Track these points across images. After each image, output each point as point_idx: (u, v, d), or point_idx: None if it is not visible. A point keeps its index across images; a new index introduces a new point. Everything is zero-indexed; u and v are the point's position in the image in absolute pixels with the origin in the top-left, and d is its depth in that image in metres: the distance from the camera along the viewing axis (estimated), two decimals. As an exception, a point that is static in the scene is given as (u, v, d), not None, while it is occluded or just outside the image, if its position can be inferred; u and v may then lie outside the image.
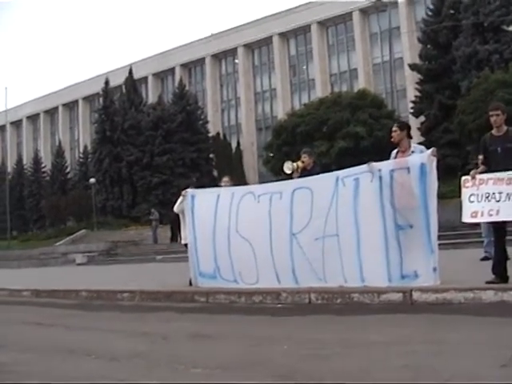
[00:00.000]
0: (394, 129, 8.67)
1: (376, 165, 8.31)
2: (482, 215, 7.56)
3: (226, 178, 11.58)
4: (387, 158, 8.74)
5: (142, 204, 57.37)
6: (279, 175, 41.05)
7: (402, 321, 6.27)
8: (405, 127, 8.72)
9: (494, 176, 7.56)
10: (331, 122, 42.91)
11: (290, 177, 10.00)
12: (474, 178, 7.72)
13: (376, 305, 7.53)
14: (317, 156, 41.64)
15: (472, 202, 7.64)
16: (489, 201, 7.48)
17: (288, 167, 10.01)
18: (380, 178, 8.14)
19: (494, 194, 7.47)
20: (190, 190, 10.66)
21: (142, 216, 54.21)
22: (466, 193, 7.75)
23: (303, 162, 10.15)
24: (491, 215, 7.49)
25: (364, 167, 8.41)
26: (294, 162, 10.09)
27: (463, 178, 7.88)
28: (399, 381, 3.78)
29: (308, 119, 43.69)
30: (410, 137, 8.77)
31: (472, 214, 7.65)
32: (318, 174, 9.40)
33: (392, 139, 8.64)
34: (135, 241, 41.64)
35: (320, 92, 59.52)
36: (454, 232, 18.24)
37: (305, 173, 9.89)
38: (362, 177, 8.38)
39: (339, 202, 8.48)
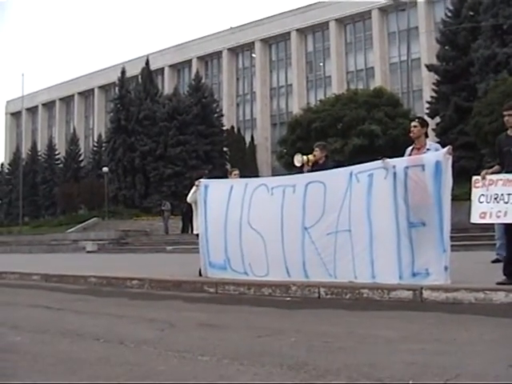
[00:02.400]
0: (414, 124, 8.64)
1: (390, 161, 8.27)
2: (490, 216, 7.51)
3: (235, 171, 11.54)
4: (402, 155, 8.71)
5: (154, 195, 57.57)
6: (292, 170, 40.82)
7: (412, 318, 6.24)
8: (425, 124, 8.74)
9: (503, 177, 7.52)
10: (346, 119, 42.83)
11: (300, 170, 9.97)
12: (484, 178, 7.68)
13: (386, 301, 7.50)
14: (330, 153, 41.86)
15: (481, 202, 7.60)
16: (497, 202, 7.43)
17: (298, 160, 9.98)
18: (394, 174, 8.10)
19: (502, 195, 7.41)
20: (203, 180, 10.65)
21: (154, 207, 54.41)
22: (476, 193, 7.71)
23: (314, 155, 10.10)
24: (499, 217, 7.45)
25: (378, 163, 8.36)
26: (305, 155, 10.04)
27: (474, 177, 7.84)
28: (406, 376, 3.75)
29: (323, 115, 43.60)
30: (426, 135, 8.75)
31: (481, 214, 7.61)
32: (330, 169, 9.36)
33: (411, 134, 8.61)
34: (146, 231, 41.82)
35: (336, 89, 59.38)
36: (465, 234, 18.15)
37: (316, 167, 9.86)
38: (376, 173, 8.34)
39: (352, 198, 8.46)
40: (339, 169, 9.10)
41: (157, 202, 52.77)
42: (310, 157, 10.04)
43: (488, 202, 7.51)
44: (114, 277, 11.68)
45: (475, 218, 7.67)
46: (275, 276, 9.13)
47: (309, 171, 9.77)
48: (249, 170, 54.14)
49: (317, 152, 10.15)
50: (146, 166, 59.31)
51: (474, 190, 7.72)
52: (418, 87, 58.21)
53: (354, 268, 8.34)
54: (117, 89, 66.06)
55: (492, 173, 7.75)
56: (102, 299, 9.33)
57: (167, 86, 75.47)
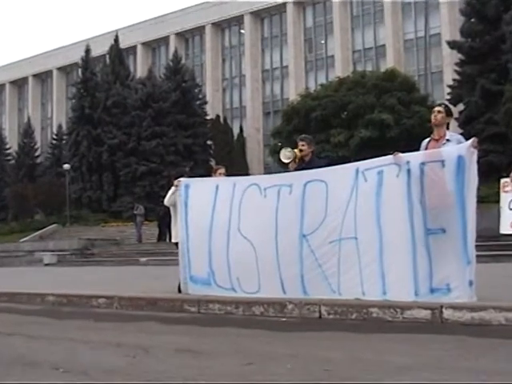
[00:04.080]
0: (439, 109, 8.60)
1: (404, 156, 8.27)
2: None
3: (221, 169, 11.50)
4: (418, 149, 8.71)
5: (125, 196, 57.51)
6: (288, 167, 40.68)
7: (430, 342, 6.24)
8: (450, 113, 8.72)
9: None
10: (352, 106, 42.96)
11: (287, 167, 9.96)
12: (515, 180, 7.66)
13: (399, 322, 7.51)
14: (333, 147, 41.98)
15: (512, 209, 7.57)
16: None
17: (285, 155, 9.91)
18: (408, 171, 8.10)
19: None
20: (183, 179, 10.64)
21: (125, 211, 54.35)
22: (505, 198, 7.66)
23: (301, 150, 10.06)
24: None
25: (389, 158, 8.36)
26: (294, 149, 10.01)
27: (502, 180, 7.80)
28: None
29: (325, 102, 43.72)
30: (447, 126, 8.75)
31: (512, 224, 7.59)
32: (321, 167, 9.30)
33: (432, 120, 8.57)
34: (115, 239, 41.77)
35: (340, 71, 59.52)
36: (494, 242, 18.18)
37: (301, 164, 9.86)
38: (386, 170, 8.34)
39: (359, 199, 8.46)
40: (343, 165, 9.10)
41: (128, 205, 52.70)
42: (297, 152, 10.01)
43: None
44: (76, 294, 11.63)
45: (506, 228, 7.66)
46: (268, 292, 9.12)
47: (295, 169, 9.78)
48: (237, 166, 54.13)
49: (304, 147, 10.08)
50: (116, 162, 59.23)
51: (502, 195, 7.69)
52: (438, 68, 58.38)
53: (362, 283, 8.34)
54: (80, 70, 65.93)
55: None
56: (62, 322, 9.28)
57: (140, 67, 75.46)
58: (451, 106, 36.82)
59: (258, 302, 8.88)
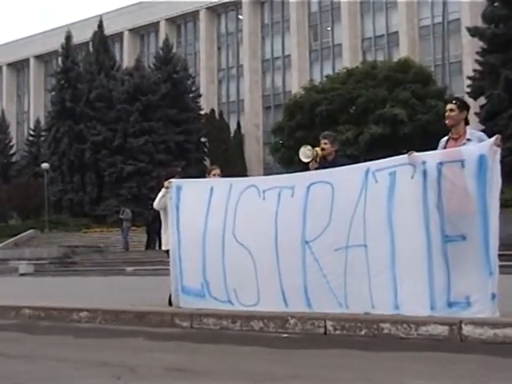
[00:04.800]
0: (450, 107, 8.58)
1: (419, 156, 8.26)
2: None
3: (216, 170, 11.53)
4: (434, 148, 8.69)
5: (110, 199, 57.56)
6: (291, 167, 40.98)
7: (447, 362, 6.23)
8: (464, 107, 8.65)
9: None
10: (361, 100, 43.01)
11: (307, 167, 9.97)
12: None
13: (413, 340, 7.50)
14: (340, 145, 41.65)
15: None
16: None
17: (306, 154, 9.97)
18: (424, 172, 8.09)
19: None
20: (175, 180, 10.64)
21: (110, 215, 54.39)
22: None
23: (323, 149, 10.13)
24: None
25: (403, 158, 8.37)
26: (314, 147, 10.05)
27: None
28: None
29: (331, 96, 43.77)
30: (467, 122, 8.72)
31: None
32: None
33: (446, 120, 8.57)
34: (99, 247, 41.82)
35: (348, 61, 59.58)
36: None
37: (324, 164, 9.87)
38: (399, 171, 8.33)
39: (369, 203, 8.46)
40: (352, 166, 9.10)
41: (113, 208, 52.74)
42: (319, 151, 10.06)
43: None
44: (55, 307, 11.61)
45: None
46: (268, 305, 9.11)
47: (316, 169, 9.79)
48: (234, 167, 54.20)
49: (326, 145, 10.17)
50: (100, 161, 59.28)
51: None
52: (457, 58, 58.47)
53: (371, 295, 8.33)
54: (60, 59, 65.96)
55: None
56: (40, 338, 9.27)
57: (127, 56, 75.54)
58: (470, 100, 36.72)
59: (256, 315, 8.88)
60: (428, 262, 7.96)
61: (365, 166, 8.77)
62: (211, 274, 9.80)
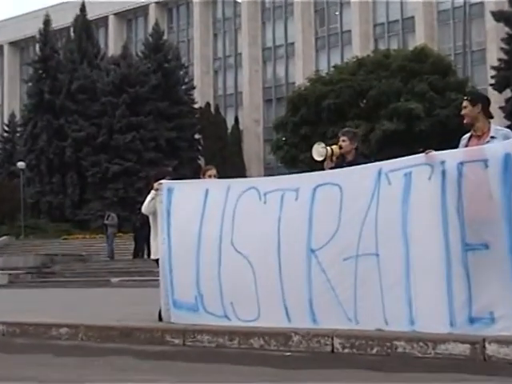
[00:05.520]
0: (463, 104, 8.62)
1: (438, 155, 8.28)
2: None
3: (211, 170, 11.53)
4: (455, 146, 8.70)
5: (94, 202, 57.56)
6: (295, 167, 40.94)
7: (469, 384, 6.25)
8: (477, 100, 8.65)
9: None
10: (373, 93, 43.04)
11: (321, 167, 9.99)
12: None
13: (430, 359, 7.50)
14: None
15: None
16: None
17: (319, 152, 9.96)
18: (443, 173, 8.09)
19: None
20: (166, 182, 10.64)
21: (93, 220, 54.42)
22: None
23: (341, 147, 10.14)
24: None
25: (420, 158, 8.38)
26: (330, 146, 10.05)
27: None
28: None
29: (339, 88, 43.83)
30: (489, 116, 8.72)
31: None
32: None
33: (464, 121, 8.60)
34: (81, 255, 41.80)
35: (358, 50, 59.63)
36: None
37: (342, 164, 9.88)
38: (416, 171, 8.34)
39: (381, 207, 8.47)
40: (363, 166, 9.09)
41: (97, 213, 52.76)
42: (335, 148, 10.06)
43: None
44: (32, 323, 11.59)
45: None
46: (269, 320, 9.12)
47: (332, 169, 9.80)
48: (232, 166, 54.22)
49: (345, 142, 10.17)
50: (82, 160, 59.25)
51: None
52: (480, 46, 58.45)
53: (384, 309, 8.33)
54: (37, 46, 65.89)
55: None
56: (16, 357, 9.25)
57: (112, 43, 75.54)
58: (495, 93, 36.64)
59: (256, 332, 8.89)
60: (447, 272, 7.95)
61: (377, 166, 8.77)
62: (206, 286, 9.81)
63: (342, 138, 10.23)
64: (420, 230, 8.20)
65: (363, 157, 10.58)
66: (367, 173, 8.78)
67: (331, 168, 9.84)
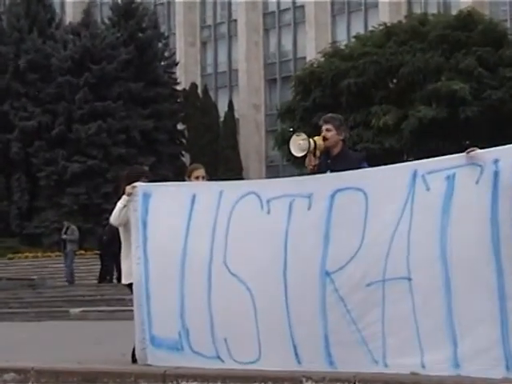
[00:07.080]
0: None
1: (486, 152, 8.31)
2: None
3: (199, 171, 11.59)
4: (510, 140, 8.73)
5: (48, 211, 57.58)
6: (305, 166, 40.35)
7: None
8: None
9: None
10: (406, 70, 43.05)
11: (303, 164, 10.02)
12: None
13: (480, 411, 7.56)
14: (375, 134, 41.37)
15: None
16: None
17: (299, 146, 9.91)
18: (495, 176, 8.09)
19: None
20: (141, 185, 10.67)
21: (47, 234, 54.41)
22: None
23: (325, 138, 10.11)
24: None
25: (464, 157, 8.39)
26: (312, 137, 10.01)
27: None
28: None
29: (362, 64, 43.80)
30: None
31: None
32: (355, 168, 9.37)
33: None
34: (31, 279, 41.71)
35: (386, 16, 59.68)
36: None
37: (326, 160, 9.94)
38: (460, 174, 8.33)
39: (416, 218, 8.48)
40: (394, 166, 9.13)
41: (52, 224, 52.77)
42: (318, 140, 10.00)
43: None
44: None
45: None
46: (273, 362, 9.13)
47: (316, 167, 9.83)
48: (225, 165, 54.23)
49: (330, 132, 10.12)
50: (33, 157, 59.24)
51: None
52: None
53: (421, 347, 8.35)
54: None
55: None
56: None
57: (71, 7, 75.50)
58: None
59: (257, 376, 8.89)
60: (500, 302, 7.97)
61: (411, 166, 8.79)
62: (192, 319, 9.82)
63: (325, 127, 10.14)
64: (465, 248, 8.18)
65: (352, 151, 10.60)
66: (399, 175, 8.79)
67: (315, 166, 9.82)
